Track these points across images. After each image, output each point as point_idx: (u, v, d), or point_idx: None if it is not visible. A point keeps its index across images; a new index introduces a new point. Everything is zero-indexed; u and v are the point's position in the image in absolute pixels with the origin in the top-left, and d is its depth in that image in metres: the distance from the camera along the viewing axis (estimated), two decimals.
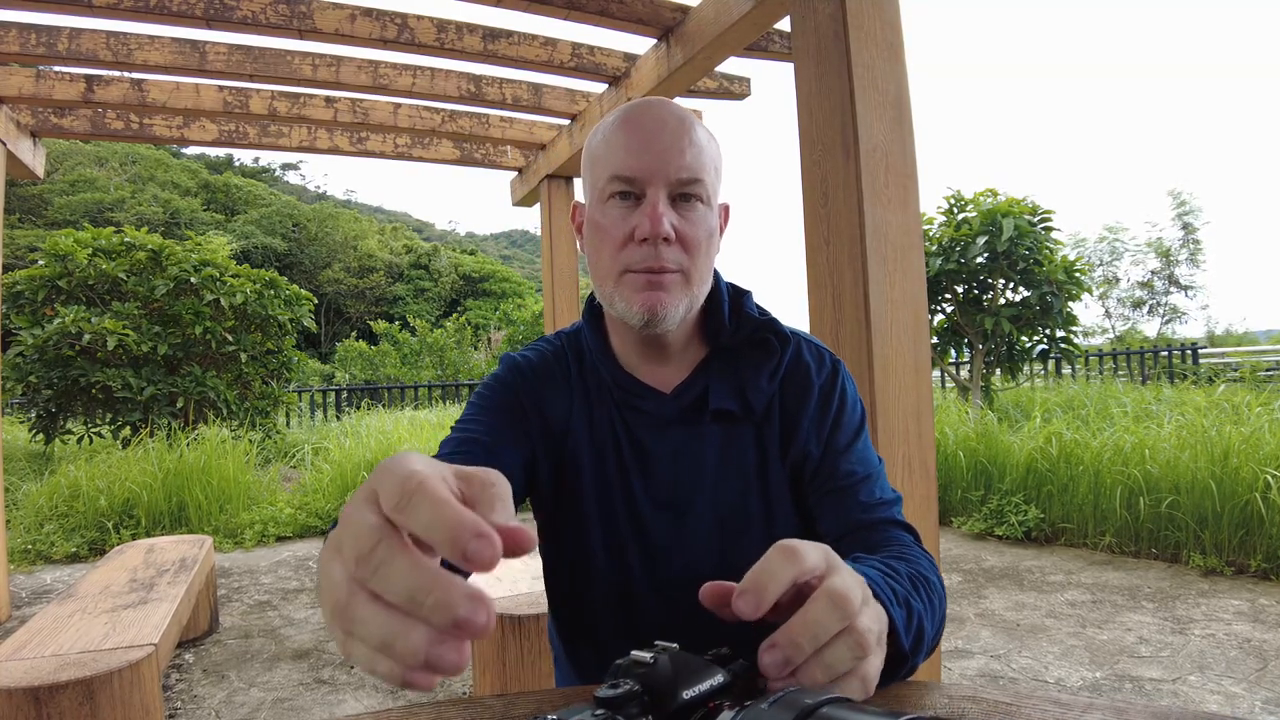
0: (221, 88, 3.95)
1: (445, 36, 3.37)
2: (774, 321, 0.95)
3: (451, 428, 0.91)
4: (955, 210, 7.57)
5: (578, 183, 4.62)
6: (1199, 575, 3.75)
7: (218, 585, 4.01)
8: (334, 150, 4.68)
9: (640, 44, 3.48)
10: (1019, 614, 3.36)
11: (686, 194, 0.83)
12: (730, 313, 0.94)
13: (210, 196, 37.32)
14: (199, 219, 32.82)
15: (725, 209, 0.93)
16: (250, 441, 6.82)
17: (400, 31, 3.32)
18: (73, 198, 30.07)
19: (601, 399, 0.93)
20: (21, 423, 7.96)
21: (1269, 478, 3.71)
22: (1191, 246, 14.98)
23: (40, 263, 7.45)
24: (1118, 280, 15.70)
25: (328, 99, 4.12)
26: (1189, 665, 2.72)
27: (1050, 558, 4.25)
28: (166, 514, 5.41)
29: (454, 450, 0.84)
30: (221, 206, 37.17)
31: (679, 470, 0.89)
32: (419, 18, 3.37)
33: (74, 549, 5.00)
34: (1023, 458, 4.89)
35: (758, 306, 0.97)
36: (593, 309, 0.98)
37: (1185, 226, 15.05)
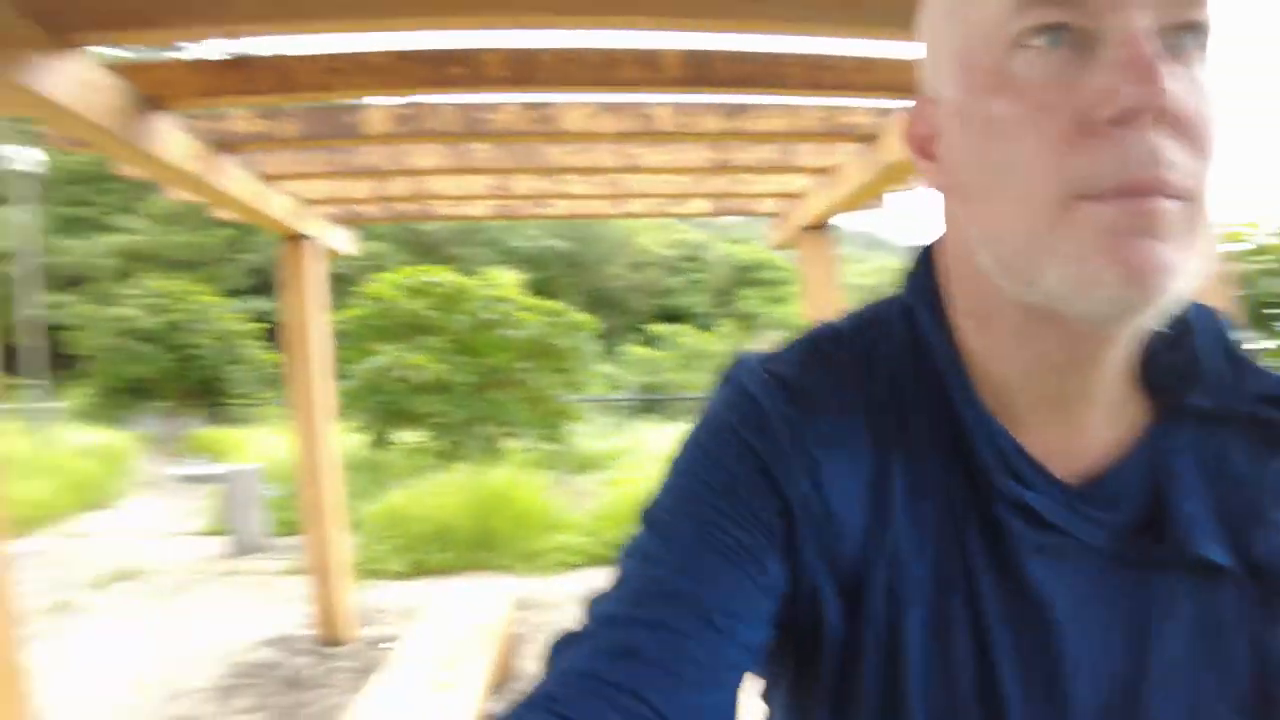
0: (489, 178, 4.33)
1: (686, 120, 3.37)
2: None
3: (645, 520, 0.48)
4: None
5: (842, 218, 4.32)
6: None
7: (516, 621, 4.21)
8: (596, 215, 4.94)
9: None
10: None
11: (1188, 26, 0.37)
12: (1216, 344, 0.47)
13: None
14: (490, 226, 36.96)
15: None
16: (546, 464, 7.54)
17: (643, 122, 3.38)
18: None
19: (937, 477, 0.46)
20: (357, 430, 9.42)
21: None
22: None
23: (364, 304, 8.92)
24: None
25: (583, 175, 4.35)
26: None
27: None
28: (474, 539, 6.16)
29: (639, 618, 0.42)
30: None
31: (1102, 653, 0.44)
32: (657, 104, 3.40)
33: (399, 568, 5.86)
34: None
35: None
36: (927, 290, 0.49)
37: None
